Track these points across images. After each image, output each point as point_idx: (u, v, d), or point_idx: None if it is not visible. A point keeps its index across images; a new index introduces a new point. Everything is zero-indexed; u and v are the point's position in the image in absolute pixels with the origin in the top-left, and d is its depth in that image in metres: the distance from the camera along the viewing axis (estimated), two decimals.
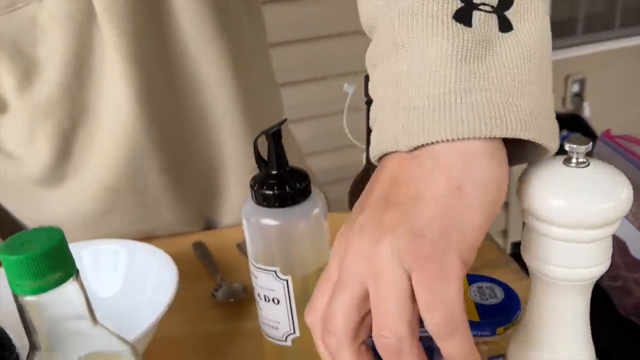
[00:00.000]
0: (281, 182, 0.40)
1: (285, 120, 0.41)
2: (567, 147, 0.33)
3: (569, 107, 2.51)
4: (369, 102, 0.44)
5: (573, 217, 0.31)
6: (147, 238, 0.65)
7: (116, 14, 0.57)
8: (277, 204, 0.40)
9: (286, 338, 0.44)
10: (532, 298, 0.37)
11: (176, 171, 0.69)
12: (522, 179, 0.34)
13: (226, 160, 0.70)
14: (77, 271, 0.30)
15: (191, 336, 0.53)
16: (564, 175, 0.33)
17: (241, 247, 0.68)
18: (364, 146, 0.50)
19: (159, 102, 0.64)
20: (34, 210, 0.70)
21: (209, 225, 0.76)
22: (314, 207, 0.42)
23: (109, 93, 0.61)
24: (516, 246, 0.92)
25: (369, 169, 0.47)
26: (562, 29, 2.41)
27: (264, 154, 0.41)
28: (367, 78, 0.44)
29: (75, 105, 0.62)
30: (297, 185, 0.40)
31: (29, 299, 0.29)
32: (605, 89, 2.50)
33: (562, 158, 0.34)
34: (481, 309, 0.43)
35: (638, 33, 2.49)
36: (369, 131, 0.45)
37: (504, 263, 0.60)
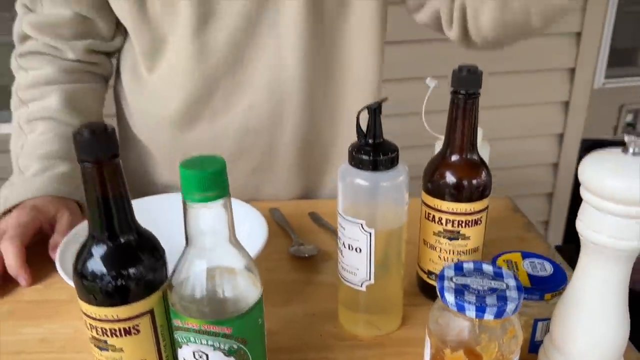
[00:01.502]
0: (375, 150, 0.49)
1: (387, 98, 0.49)
2: (626, 138, 0.40)
3: (621, 136, 2.50)
4: (454, 92, 0.52)
5: (625, 195, 0.38)
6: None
7: None
8: (370, 167, 0.49)
9: (362, 284, 0.52)
10: (579, 266, 0.44)
11: (307, 127, 0.79)
12: (584, 162, 0.41)
13: (346, 128, 0.80)
14: (229, 194, 0.39)
15: (273, 282, 0.62)
16: (621, 161, 0.40)
17: (314, 216, 0.77)
18: (442, 136, 0.58)
19: (318, 60, 0.74)
20: (166, 157, 0.81)
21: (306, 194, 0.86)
22: (399, 175, 0.50)
23: (276, 42, 0.72)
24: (557, 247, 0.98)
25: (445, 153, 0.55)
26: (621, 59, 2.42)
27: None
28: (454, 72, 0.52)
29: (239, 48, 0.72)
30: (388, 154, 0.49)
31: (193, 205, 0.38)
32: None
33: (620, 149, 0.41)
34: (532, 279, 0.50)
35: None
36: (449, 121, 0.53)
37: (551, 255, 0.66)
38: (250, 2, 0.70)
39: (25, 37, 0.77)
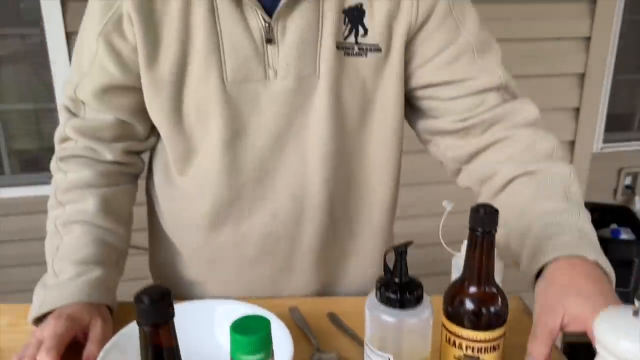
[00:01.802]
0: (402, 289, 0.52)
1: (412, 242, 0.53)
2: (636, 303, 0.44)
3: (620, 198, 2.56)
4: (472, 229, 0.56)
5: (636, 357, 0.42)
6: (245, 298, 0.78)
7: (332, 95, 0.74)
8: (397, 305, 0.52)
9: None
10: None
11: (327, 231, 0.82)
12: (600, 320, 0.45)
13: (365, 227, 0.84)
14: (273, 353, 0.42)
15: None
16: (632, 324, 0.44)
17: (332, 317, 0.80)
18: (457, 253, 0.62)
19: (340, 170, 0.79)
20: (193, 256, 0.85)
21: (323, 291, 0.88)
22: (424, 311, 0.53)
23: (301, 154, 0.76)
24: (569, 345, 1.00)
25: (464, 282, 0.58)
26: (619, 123, 2.49)
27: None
28: (472, 210, 0.56)
29: (266, 161, 0.77)
30: (414, 293, 0.52)
31: None
32: None
33: (631, 308, 0.45)
34: None
35: None
36: (467, 255, 0.57)
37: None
38: (279, 120, 0.75)
39: (65, 139, 0.82)
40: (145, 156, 0.90)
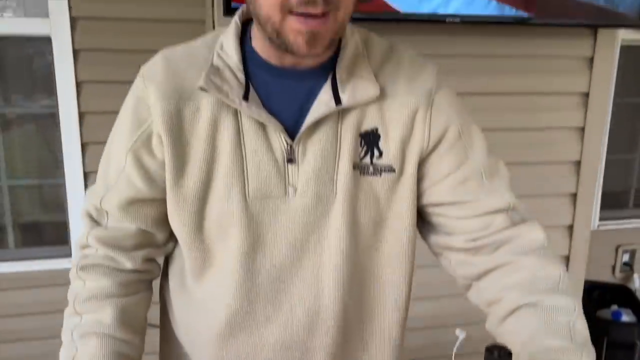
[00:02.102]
0: None
1: None
2: None
3: (619, 275, 2.57)
4: (488, 348, 0.58)
5: None
6: None
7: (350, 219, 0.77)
8: None
9: None
10: None
11: (339, 342, 0.83)
12: None
13: (376, 339, 0.85)
14: None
15: None
16: None
17: None
18: None
19: (354, 284, 0.80)
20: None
21: None
22: None
23: (317, 266, 0.78)
24: None
25: None
26: (614, 201, 2.55)
27: None
28: (486, 350, 0.58)
29: (283, 272, 0.78)
30: None
31: None
32: None
33: None
34: None
35: None
36: None
37: None
38: (296, 235, 0.77)
39: (86, 246, 0.82)
40: (161, 258, 0.91)
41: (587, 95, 1.88)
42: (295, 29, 0.65)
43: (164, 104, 0.74)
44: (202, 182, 0.76)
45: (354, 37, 0.78)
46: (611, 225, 2.47)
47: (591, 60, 1.86)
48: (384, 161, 0.77)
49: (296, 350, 0.83)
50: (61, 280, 1.88)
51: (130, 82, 0.79)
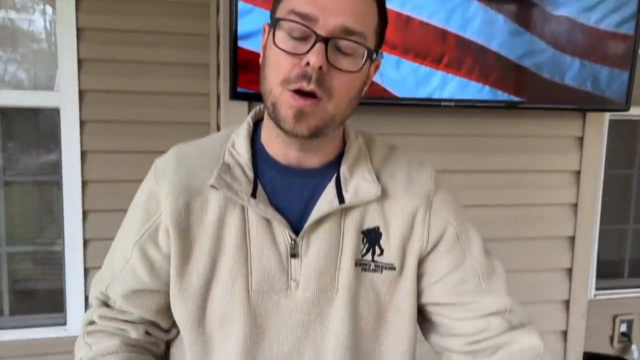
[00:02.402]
0: None
1: None
2: None
3: (617, 346, 2.55)
4: None
5: None
6: None
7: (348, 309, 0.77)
8: None
9: None
10: None
11: None
12: None
13: None
14: None
15: None
16: None
17: None
18: None
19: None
20: None
21: None
22: None
23: (317, 357, 0.79)
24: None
25: None
26: (610, 271, 2.56)
27: None
28: None
29: (297, 354, 0.78)
30: None
31: None
32: None
33: None
34: None
35: None
36: None
37: None
38: (297, 328, 0.78)
39: (91, 322, 0.84)
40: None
41: (578, 172, 1.93)
42: (287, 103, 0.70)
43: (174, 199, 0.77)
44: (206, 276, 0.77)
45: (357, 139, 0.82)
46: (607, 295, 2.48)
47: (581, 139, 1.92)
48: (385, 259, 0.79)
49: None
50: (57, 348, 1.88)
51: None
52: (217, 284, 0.78)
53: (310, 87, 0.68)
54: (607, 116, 2.13)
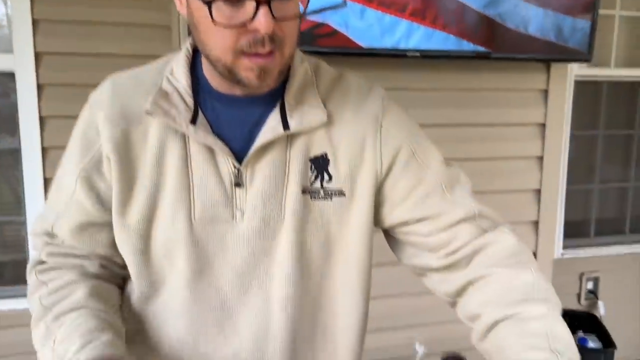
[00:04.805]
0: None
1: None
2: None
3: (584, 303, 2.61)
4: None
5: None
6: None
7: (296, 243, 0.76)
8: None
9: None
10: None
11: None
12: None
13: (334, 345, 0.83)
14: None
15: None
16: None
17: None
18: None
19: (304, 315, 0.79)
20: None
21: None
22: None
23: (265, 297, 0.77)
24: None
25: None
26: (577, 230, 2.62)
27: None
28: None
29: (228, 301, 0.77)
30: None
31: None
32: (618, 289, 2.62)
33: None
34: None
35: None
36: None
37: None
38: (243, 260, 0.76)
39: (40, 262, 0.80)
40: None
41: (544, 125, 1.96)
42: (246, 67, 0.68)
43: (112, 128, 0.75)
44: (148, 207, 0.75)
45: (303, 65, 0.79)
46: (574, 253, 2.53)
47: (546, 92, 1.95)
48: (334, 185, 0.77)
49: None
50: (21, 321, 1.83)
51: None
52: (160, 214, 0.76)
53: (266, 49, 0.67)
54: (572, 70, 2.15)
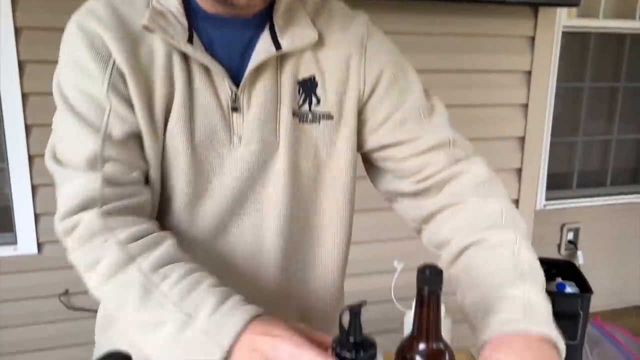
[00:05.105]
0: (356, 348, 0.55)
1: (366, 302, 0.56)
2: None
3: (564, 253, 2.68)
4: (419, 288, 0.60)
5: None
6: None
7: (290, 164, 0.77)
8: None
9: None
10: None
11: (282, 293, 0.83)
12: None
13: (318, 283, 0.87)
14: None
15: None
16: None
17: None
18: (408, 310, 0.65)
19: (297, 225, 0.81)
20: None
21: None
22: None
23: (260, 214, 0.79)
24: None
25: (413, 339, 0.61)
26: (559, 182, 2.66)
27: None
28: (418, 271, 0.60)
29: (224, 224, 0.78)
30: (368, 352, 0.55)
31: None
32: (598, 240, 2.69)
33: None
34: None
35: (628, 192, 2.72)
36: (416, 312, 0.61)
37: None
38: (240, 183, 0.78)
39: (99, 206, 0.70)
40: None
41: (529, 73, 1.96)
42: None
43: (119, 40, 0.71)
44: (163, 122, 0.74)
45: None
46: (556, 205, 2.58)
47: (533, 39, 1.94)
48: (322, 108, 0.79)
49: (241, 283, 0.79)
50: (7, 268, 1.84)
51: None
52: (167, 136, 0.75)
53: None
54: (560, 17, 2.14)
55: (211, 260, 0.80)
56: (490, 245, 0.73)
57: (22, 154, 1.83)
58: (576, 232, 2.68)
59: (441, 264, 0.79)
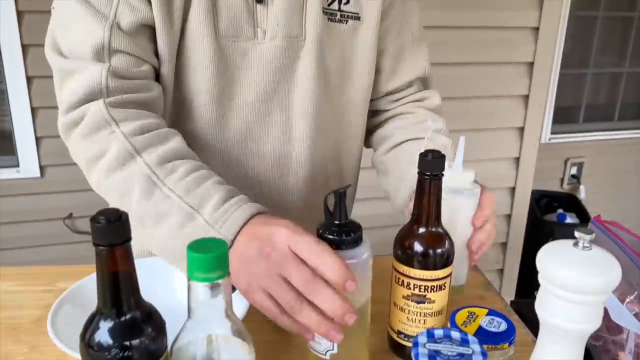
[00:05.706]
0: (341, 230, 0.54)
1: (350, 185, 0.55)
2: (576, 234, 0.47)
3: (567, 187, 2.68)
4: (420, 173, 0.59)
5: (578, 284, 0.45)
6: None
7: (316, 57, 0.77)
8: (335, 246, 0.54)
9: (326, 352, 0.57)
10: (539, 343, 0.50)
11: (310, 196, 0.84)
12: (541, 253, 0.48)
13: (339, 180, 0.89)
14: (229, 273, 0.43)
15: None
16: (573, 254, 0.47)
17: None
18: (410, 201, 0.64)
19: (322, 124, 0.82)
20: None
21: None
22: (364, 252, 0.55)
23: (287, 112, 0.79)
24: (513, 303, 1.06)
25: (413, 224, 0.61)
26: (565, 115, 2.61)
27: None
28: (420, 155, 0.59)
29: (252, 122, 0.78)
30: (353, 234, 0.54)
31: (196, 284, 0.42)
32: (601, 175, 2.67)
33: (572, 241, 0.48)
34: (481, 331, 0.57)
35: (635, 127, 2.68)
36: (417, 197, 0.60)
37: (507, 313, 0.72)
38: (266, 78, 0.76)
39: (104, 96, 0.67)
40: None
41: None
42: None
43: None
44: (181, 18, 0.71)
45: None
46: (562, 139, 2.55)
47: None
48: (350, 8, 0.79)
49: (266, 189, 0.82)
50: (10, 190, 1.85)
51: None
52: (188, 30, 0.72)
53: None
54: None
55: (238, 156, 0.79)
56: (429, 139, 0.78)
57: (20, 75, 1.79)
58: (580, 166, 2.65)
59: (375, 154, 0.90)
